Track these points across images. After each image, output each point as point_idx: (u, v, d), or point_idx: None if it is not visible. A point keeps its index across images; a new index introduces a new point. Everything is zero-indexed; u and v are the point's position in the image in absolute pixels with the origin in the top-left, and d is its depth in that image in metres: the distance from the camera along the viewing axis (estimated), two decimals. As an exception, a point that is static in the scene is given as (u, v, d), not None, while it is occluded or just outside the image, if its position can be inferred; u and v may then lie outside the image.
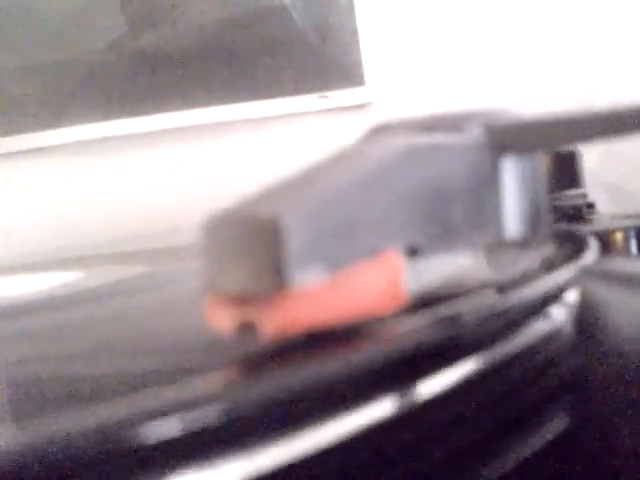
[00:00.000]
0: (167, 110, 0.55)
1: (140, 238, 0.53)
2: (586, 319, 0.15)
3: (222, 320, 0.11)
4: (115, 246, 0.52)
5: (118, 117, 0.56)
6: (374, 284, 0.12)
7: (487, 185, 0.14)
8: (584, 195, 0.37)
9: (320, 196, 0.11)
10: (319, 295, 0.11)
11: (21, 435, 0.09)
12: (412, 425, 0.11)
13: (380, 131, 0.15)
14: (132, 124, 0.56)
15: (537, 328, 0.14)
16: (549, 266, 0.16)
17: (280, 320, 0.11)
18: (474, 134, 0.14)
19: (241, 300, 0.11)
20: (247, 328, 0.11)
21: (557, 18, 0.55)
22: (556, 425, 0.13)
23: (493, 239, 0.14)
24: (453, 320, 0.12)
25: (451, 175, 0.13)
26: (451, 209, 0.13)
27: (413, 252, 0.13)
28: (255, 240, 0.11)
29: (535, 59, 0.55)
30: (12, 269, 0.42)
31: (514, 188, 0.14)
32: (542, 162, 0.15)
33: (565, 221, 0.34)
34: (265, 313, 0.11)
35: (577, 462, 0.12)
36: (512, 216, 0.14)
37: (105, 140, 0.55)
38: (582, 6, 0.55)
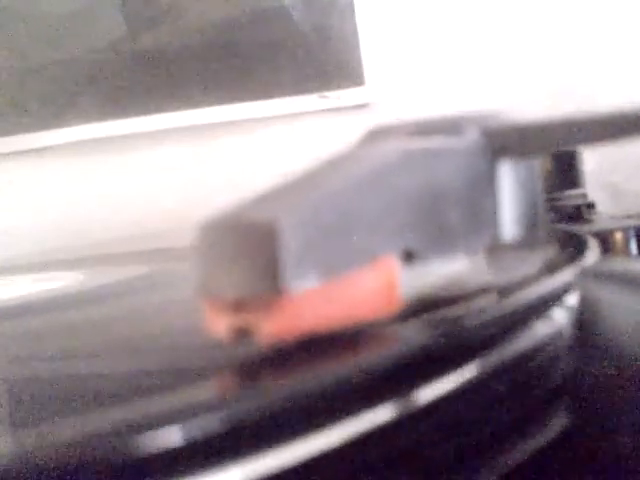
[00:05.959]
0: (167, 110, 0.55)
1: (140, 238, 0.53)
2: (586, 319, 0.15)
3: (219, 325, 0.11)
4: (116, 246, 0.52)
5: (118, 117, 0.56)
6: (371, 288, 0.12)
7: (484, 188, 0.14)
8: (584, 195, 0.37)
9: (317, 200, 0.11)
10: (316, 300, 0.11)
11: (21, 440, 0.09)
12: (413, 427, 0.11)
13: (377, 134, 0.15)
14: (132, 124, 0.56)
15: (537, 329, 0.14)
16: (549, 268, 0.16)
17: (277, 325, 0.11)
18: (472, 138, 0.14)
19: (238, 305, 0.11)
20: (244, 333, 0.11)
21: (558, 19, 0.55)
22: (556, 425, 0.13)
23: (490, 242, 0.14)
24: (454, 323, 0.12)
25: (448, 179, 0.13)
26: (448, 213, 0.13)
27: (410, 256, 0.13)
28: (251, 245, 0.11)
29: (535, 60, 0.55)
30: (13, 269, 0.42)
31: (511, 190, 0.14)
32: (539, 164, 0.15)
33: (565, 221, 0.34)
34: (262, 318, 0.11)
35: (577, 462, 0.13)
36: (509, 218, 0.14)
37: (105, 140, 0.55)
38: (583, 7, 0.55)
